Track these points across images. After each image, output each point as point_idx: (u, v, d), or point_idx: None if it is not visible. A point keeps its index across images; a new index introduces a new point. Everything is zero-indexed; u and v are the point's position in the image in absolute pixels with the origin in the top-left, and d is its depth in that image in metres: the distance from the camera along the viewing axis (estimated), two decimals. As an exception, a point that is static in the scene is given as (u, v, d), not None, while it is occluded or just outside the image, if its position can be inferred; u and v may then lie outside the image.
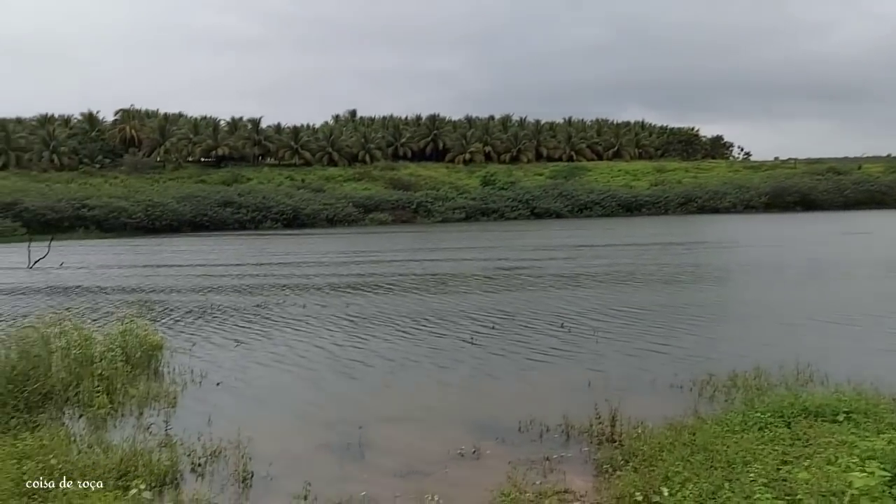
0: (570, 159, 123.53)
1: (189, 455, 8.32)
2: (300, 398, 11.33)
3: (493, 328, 16.59)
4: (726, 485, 5.85)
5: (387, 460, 8.32)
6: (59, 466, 6.94)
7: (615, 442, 8.66)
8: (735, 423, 7.90)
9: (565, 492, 7.28)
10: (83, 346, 12.81)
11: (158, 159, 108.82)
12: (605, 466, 7.78)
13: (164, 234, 73.53)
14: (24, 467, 6.82)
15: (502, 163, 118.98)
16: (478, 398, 11.10)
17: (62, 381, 11.09)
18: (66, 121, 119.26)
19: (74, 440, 8.80)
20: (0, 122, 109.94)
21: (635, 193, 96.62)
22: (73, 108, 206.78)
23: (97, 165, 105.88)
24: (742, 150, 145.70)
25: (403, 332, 16.51)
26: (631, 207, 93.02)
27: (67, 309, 19.41)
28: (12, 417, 9.14)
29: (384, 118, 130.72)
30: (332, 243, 53.65)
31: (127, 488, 6.37)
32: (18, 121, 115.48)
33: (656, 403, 10.22)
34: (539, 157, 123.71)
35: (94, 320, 16.85)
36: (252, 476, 7.84)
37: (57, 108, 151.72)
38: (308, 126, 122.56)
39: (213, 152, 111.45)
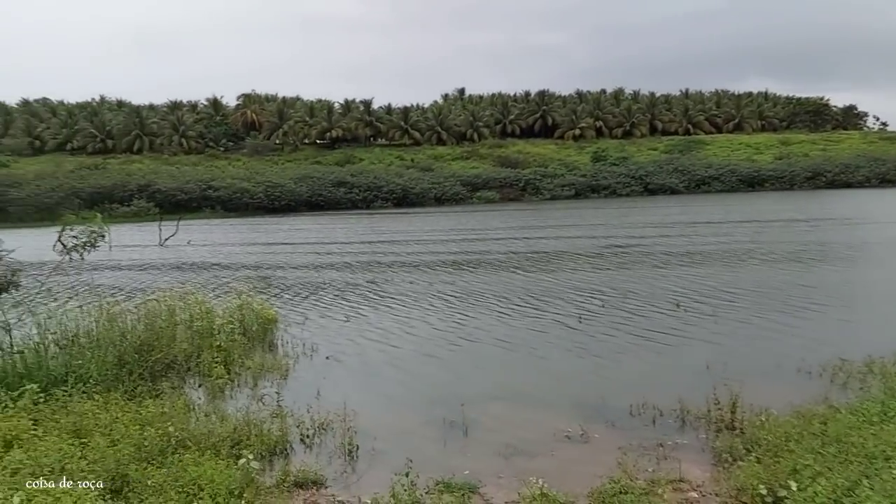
0: (687, 133, 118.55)
1: (298, 426, 8.49)
2: (406, 373, 11.38)
3: (602, 307, 16.09)
4: (864, 481, 5.31)
5: (490, 439, 8.18)
6: (176, 434, 7.23)
7: (735, 429, 8.13)
8: (873, 413, 7.22)
9: (680, 481, 6.89)
10: (205, 319, 13.47)
11: (277, 142, 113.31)
12: (723, 455, 7.31)
13: (282, 213, 76.51)
14: (145, 433, 7.16)
15: (614, 138, 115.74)
16: (587, 379, 10.75)
17: (184, 352, 11.65)
18: (193, 106, 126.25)
19: (193, 409, 9.22)
20: (135, 109, 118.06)
21: (757, 167, 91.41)
22: (199, 93, 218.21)
23: (221, 148, 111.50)
24: (878, 120, 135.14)
25: (510, 309, 16.30)
26: (753, 182, 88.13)
27: (191, 284, 20.50)
28: (137, 385, 9.65)
29: (492, 95, 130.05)
30: (440, 222, 54.04)
31: (238, 457, 6.54)
32: (151, 107, 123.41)
33: (781, 389, 9.53)
34: (653, 131, 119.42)
35: (217, 295, 17.68)
36: (357, 449, 7.91)
37: (185, 95, 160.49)
38: (417, 106, 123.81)
39: (328, 134, 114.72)
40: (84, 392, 8.74)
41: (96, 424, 7.48)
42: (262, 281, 22.55)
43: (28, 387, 8.23)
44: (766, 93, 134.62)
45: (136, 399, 8.97)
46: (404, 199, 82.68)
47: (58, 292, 17.67)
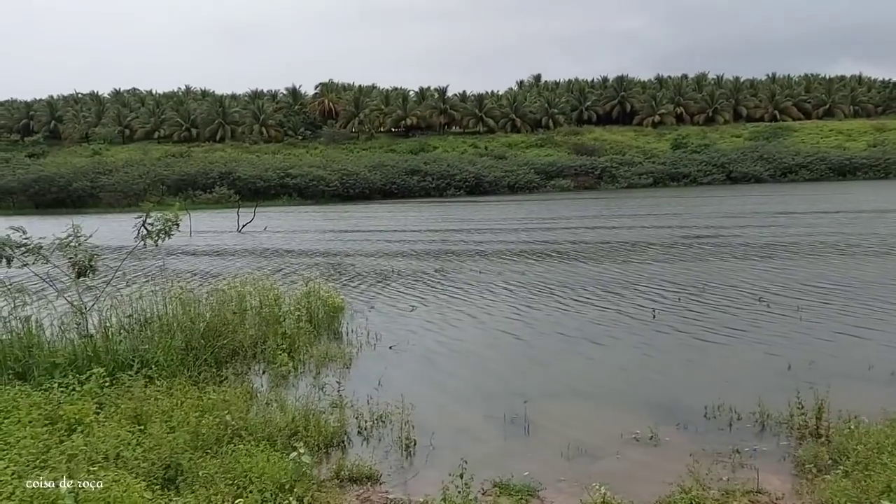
0: (773, 119, 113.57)
1: (357, 418, 8.33)
2: (468, 366, 11.11)
3: (678, 301, 15.38)
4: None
5: (553, 439, 7.81)
6: (233, 423, 7.17)
7: (820, 437, 7.51)
8: (980, 426, 6.49)
9: (758, 492, 6.37)
10: (272, 306, 13.56)
11: (353, 130, 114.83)
12: (807, 466, 6.72)
13: (357, 201, 77.49)
14: (203, 421, 7.12)
15: (695, 124, 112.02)
16: (658, 378, 10.21)
17: (251, 338, 11.71)
18: (273, 96, 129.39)
19: (255, 396, 9.21)
20: (218, 99, 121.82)
21: (850, 155, 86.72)
22: (279, 83, 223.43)
23: (299, 137, 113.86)
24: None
25: (580, 302, 15.80)
26: (844, 171, 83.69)
27: (264, 270, 20.81)
28: (202, 371, 9.71)
29: (569, 82, 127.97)
30: (512, 210, 53.47)
31: (293, 449, 6.41)
32: (233, 97, 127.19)
33: (874, 395, 8.79)
34: (737, 117, 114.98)
35: (288, 282, 17.83)
36: (415, 444, 7.69)
37: (265, 85, 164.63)
38: (492, 93, 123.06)
39: (402, 122, 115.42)
40: (148, 377, 8.84)
41: (157, 410, 7.50)
42: (332, 268, 22.70)
43: (95, 370, 8.36)
44: (859, 76, 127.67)
45: (200, 385, 9.00)
46: (477, 187, 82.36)
47: (134, 277, 18.17)
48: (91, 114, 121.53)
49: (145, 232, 12.56)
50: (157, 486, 5.84)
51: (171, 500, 5.40)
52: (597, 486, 6.07)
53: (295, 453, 5.96)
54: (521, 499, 6.32)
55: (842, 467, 6.30)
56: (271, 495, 5.76)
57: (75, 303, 11.94)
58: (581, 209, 51.35)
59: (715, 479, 6.63)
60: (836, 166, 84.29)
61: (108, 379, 8.36)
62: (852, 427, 7.27)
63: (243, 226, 40.54)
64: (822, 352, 11.05)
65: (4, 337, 9.62)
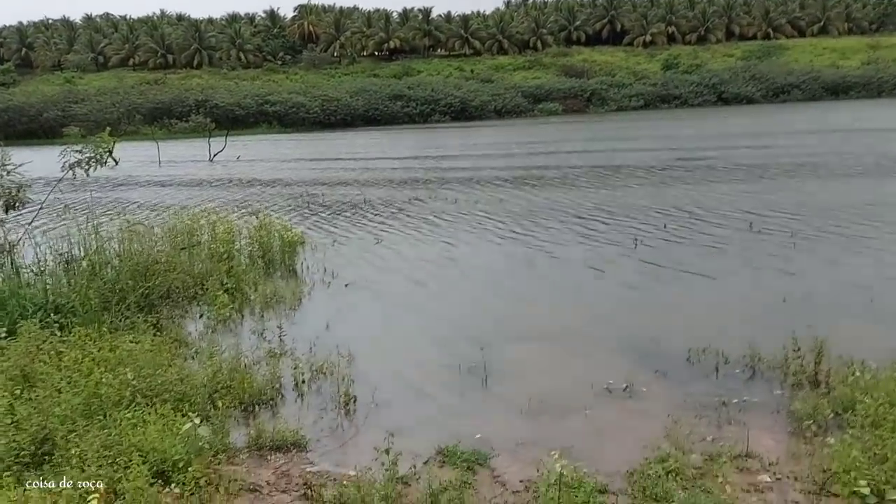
0: (767, 37, 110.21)
1: (294, 370, 7.27)
2: (427, 307, 10.06)
3: (664, 228, 14.29)
4: None
5: (513, 393, 6.79)
6: (134, 382, 6.08)
7: (820, 386, 6.55)
8: None
9: (746, 456, 5.41)
10: (223, 241, 12.43)
11: (334, 54, 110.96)
12: (805, 423, 5.73)
13: (338, 128, 75.17)
14: (103, 379, 6.03)
15: (687, 44, 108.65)
16: (637, 317, 9.19)
17: (193, 277, 10.61)
18: (251, 19, 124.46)
19: (184, 345, 8.17)
20: (194, 23, 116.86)
21: (843, 74, 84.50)
22: (257, 5, 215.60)
23: (279, 62, 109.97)
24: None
25: (558, 231, 14.68)
26: (837, 90, 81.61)
27: (226, 201, 19.57)
28: (127, 317, 8.58)
29: (558, 1, 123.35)
30: (498, 135, 51.80)
31: (190, 417, 5.33)
32: (210, 21, 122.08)
33: (879, 335, 7.83)
34: (730, 36, 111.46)
35: (251, 214, 16.56)
36: (354, 402, 6.68)
37: (242, 7, 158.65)
38: (478, 14, 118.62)
39: (385, 45, 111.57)
40: (59, 325, 7.74)
41: (52, 368, 6.40)
42: (300, 199, 21.44)
43: (-12, 322, 7.24)
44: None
45: (117, 334, 7.90)
46: (463, 113, 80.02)
47: (79, 210, 16.86)
48: (62, 40, 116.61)
49: (72, 161, 11.27)
50: (20, 468, 4.82)
51: (24, 488, 4.35)
52: (555, 455, 5.02)
53: (189, 424, 4.90)
54: (468, 468, 5.34)
55: (850, 429, 5.28)
56: (160, 474, 4.76)
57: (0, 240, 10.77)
58: (568, 133, 49.71)
59: (697, 439, 5.69)
60: (829, 85, 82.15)
61: (5, 329, 7.25)
62: (857, 374, 6.28)
63: (214, 155, 38.90)
64: (819, 283, 10.06)
65: None
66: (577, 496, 4.74)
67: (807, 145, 30.75)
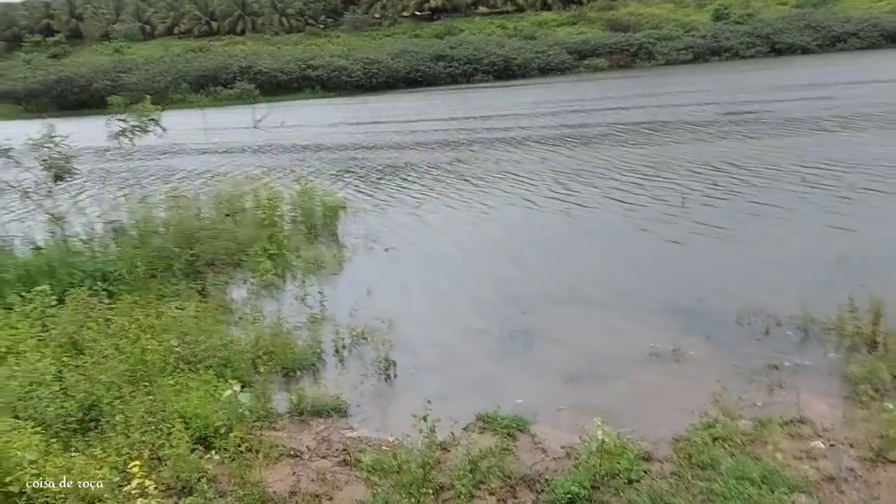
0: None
1: (335, 335, 7.28)
2: (469, 271, 9.96)
3: (713, 185, 13.83)
4: None
5: (556, 357, 6.69)
6: (178, 349, 6.17)
7: (877, 347, 6.26)
8: None
9: (799, 422, 5.22)
10: (266, 208, 12.49)
11: (376, 16, 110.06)
12: (861, 387, 5.50)
13: (381, 91, 74.80)
14: (148, 347, 6.12)
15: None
16: (685, 277, 8.95)
17: (237, 244, 10.69)
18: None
19: (228, 311, 8.26)
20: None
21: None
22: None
23: (321, 26, 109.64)
24: None
25: (603, 190, 14.33)
26: (898, 37, 77.57)
27: (270, 167, 19.68)
28: (172, 284, 8.71)
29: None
30: (542, 93, 50.84)
31: (229, 383, 5.37)
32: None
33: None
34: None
35: (293, 181, 16.62)
36: (395, 367, 6.66)
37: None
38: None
39: (427, 4, 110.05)
40: (105, 291, 7.90)
41: (100, 334, 6.51)
42: (342, 163, 21.42)
43: (39, 288, 7.41)
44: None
45: (164, 301, 8.03)
46: (506, 71, 78.66)
47: (127, 180, 17.15)
48: (110, 10, 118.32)
49: (118, 130, 11.42)
50: (69, 434, 4.93)
51: (70, 455, 4.44)
52: (598, 422, 4.91)
53: (229, 391, 4.93)
54: (508, 434, 5.28)
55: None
56: (202, 440, 4.83)
57: (51, 210, 11.02)
58: (613, 89, 48.48)
59: (747, 404, 5.50)
60: (889, 33, 77.79)
61: (55, 297, 7.42)
62: (917, 336, 6.01)
63: (258, 121, 39.11)
64: (878, 241, 9.60)
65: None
66: (619, 463, 4.65)
67: (863, 95, 29.35)
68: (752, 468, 4.46)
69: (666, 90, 43.20)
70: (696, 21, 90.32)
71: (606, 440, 4.67)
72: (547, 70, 79.03)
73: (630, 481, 4.52)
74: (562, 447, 5.13)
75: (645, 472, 4.65)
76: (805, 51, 77.94)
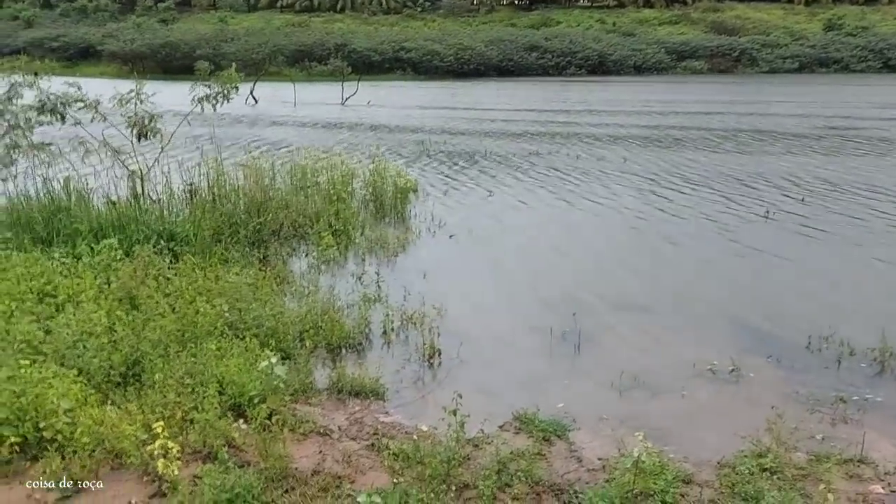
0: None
1: (385, 317, 7.22)
2: (529, 266, 9.72)
3: (802, 201, 13.11)
4: None
5: (606, 364, 6.42)
6: (226, 314, 6.22)
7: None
8: None
9: (860, 461, 4.82)
10: (337, 183, 12.61)
11: (473, 2, 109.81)
12: (937, 432, 5.05)
13: (470, 77, 74.59)
14: (200, 310, 6.20)
15: (854, 3, 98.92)
16: (756, 295, 8.48)
17: (306, 217, 10.80)
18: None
19: (285, 280, 8.32)
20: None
21: None
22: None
23: (418, 9, 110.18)
24: None
25: (682, 196, 13.80)
26: None
27: (351, 145, 19.83)
28: (235, 250, 8.85)
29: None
30: (635, 92, 49.55)
31: (267, 356, 5.35)
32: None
33: None
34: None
35: (369, 159, 16.69)
36: (439, 354, 6.54)
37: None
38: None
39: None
40: (170, 251, 8.11)
41: (161, 293, 6.65)
42: (421, 145, 21.40)
43: (106, 241, 7.65)
44: None
45: (226, 265, 8.15)
46: (600, 66, 77.12)
47: (208, 145, 17.59)
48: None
49: (201, 96, 11.66)
50: (111, 386, 5.03)
51: (103, 409, 4.52)
52: (640, 436, 4.64)
53: (265, 363, 4.92)
54: (544, 439, 5.08)
55: None
56: (235, 408, 4.85)
57: (131, 165, 11.35)
58: (711, 94, 46.76)
59: (805, 436, 5.13)
60: None
61: (122, 251, 7.64)
62: None
63: (346, 99, 39.65)
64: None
65: (34, 200, 9.11)
66: (656, 483, 4.39)
67: None
68: (799, 507, 4.14)
69: (767, 98, 41.42)
70: (806, 29, 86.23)
71: (643, 458, 4.42)
72: (643, 69, 77.10)
73: (664, 503, 4.26)
74: (598, 458, 4.89)
75: (682, 495, 4.37)
76: (923, 69, 73.29)
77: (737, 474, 4.57)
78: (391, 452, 4.63)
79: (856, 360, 6.52)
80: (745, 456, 4.79)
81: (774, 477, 4.54)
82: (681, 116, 30.68)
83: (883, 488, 4.56)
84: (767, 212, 12.16)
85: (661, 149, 20.54)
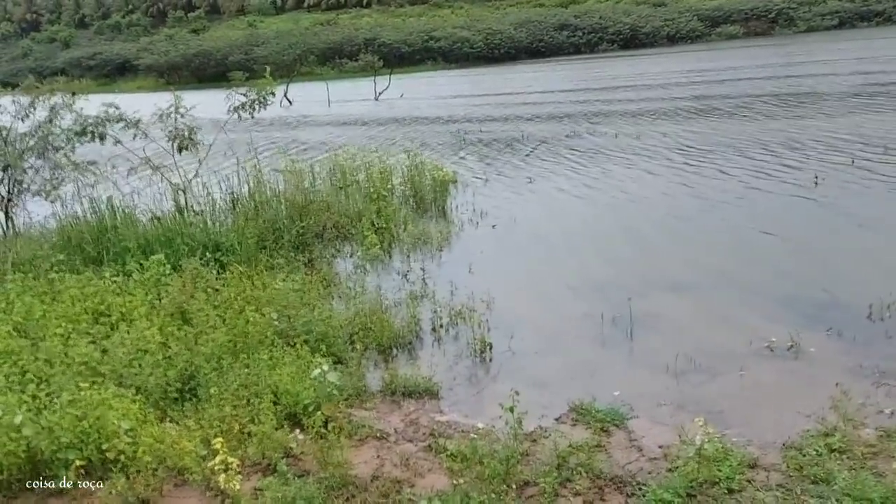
0: None
1: (433, 314, 7.21)
2: (576, 252, 9.58)
3: (851, 164, 12.66)
4: None
5: (660, 348, 6.28)
6: (276, 322, 6.28)
7: None
8: None
9: (934, 436, 4.64)
10: (376, 180, 12.62)
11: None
12: None
13: (502, 62, 74.08)
14: (250, 319, 6.27)
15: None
16: (810, 265, 8.22)
17: (348, 217, 10.85)
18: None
19: (332, 284, 8.37)
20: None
21: None
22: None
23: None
24: None
25: (726, 168, 13.44)
26: None
27: (386, 140, 19.87)
28: (281, 256, 8.93)
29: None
30: (670, 63, 48.54)
31: (319, 364, 5.38)
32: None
33: None
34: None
35: (405, 154, 16.69)
36: (490, 349, 6.49)
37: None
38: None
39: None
40: (217, 262, 8.21)
41: (210, 305, 6.74)
42: (456, 136, 21.32)
43: (154, 257, 7.79)
44: None
45: (272, 272, 8.24)
46: (632, 40, 75.88)
47: (246, 152, 17.80)
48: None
49: (236, 104, 11.79)
50: (168, 403, 5.13)
51: (162, 426, 4.61)
52: (699, 421, 4.53)
53: (318, 370, 4.95)
54: (602, 429, 5.01)
55: None
56: (291, 416, 4.89)
57: (173, 180, 11.54)
58: (750, 58, 45.49)
59: (873, 411, 4.96)
60: None
61: (170, 266, 7.77)
62: None
63: (380, 93, 39.76)
64: None
65: (81, 220, 9.34)
66: (720, 469, 4.29)
67: None
68: (872, 487, 3.98)
69: (808, 58, 40.11)
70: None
71: (706, 445, 4.32)
72: (676, 39, 75.61)
73: (730, 491, 4.16)
74: (659, 446, 4.80)
75: (748, 481, 4.26)
76: (973, 13, 70.11)
77: (804, 456, 4.44)
78: (449, 453, 4.61)
79: (923, 328, 6.28)
80: (812, 436, 4.65)
81: (844, 456, 4.40)
82: (718, 85, 30.00)
83: (959, 465, 4.38)
84: (816, 177, 11.77)
85: (702, 120, 20.09)
